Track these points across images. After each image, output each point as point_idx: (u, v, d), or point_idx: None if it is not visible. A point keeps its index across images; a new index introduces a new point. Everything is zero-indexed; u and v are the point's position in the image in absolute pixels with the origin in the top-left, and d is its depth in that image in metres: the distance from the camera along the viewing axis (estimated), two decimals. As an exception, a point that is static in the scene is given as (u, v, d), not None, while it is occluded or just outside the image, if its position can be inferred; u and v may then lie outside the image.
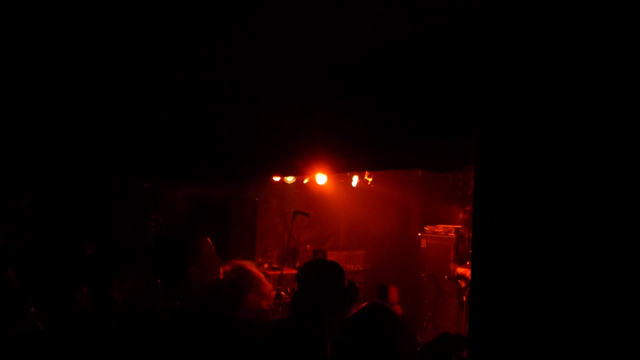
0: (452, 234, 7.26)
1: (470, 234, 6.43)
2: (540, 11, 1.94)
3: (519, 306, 1.76)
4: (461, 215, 6.74)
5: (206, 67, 2.74)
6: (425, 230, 7.78)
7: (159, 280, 3.81)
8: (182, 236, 4.09)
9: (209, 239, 4.11)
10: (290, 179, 7.76)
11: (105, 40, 2.45)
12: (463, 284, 6.53)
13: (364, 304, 2.25)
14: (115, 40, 2.47)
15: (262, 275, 3.79)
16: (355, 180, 7.91)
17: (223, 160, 4.33)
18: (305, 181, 7.94)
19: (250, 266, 3.76)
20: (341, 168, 5.67)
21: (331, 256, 7.97)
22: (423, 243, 7.72)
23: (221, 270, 4.47)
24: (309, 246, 8.28)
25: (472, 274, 2.09)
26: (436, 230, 7.61)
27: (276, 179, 7.42)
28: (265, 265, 8.00)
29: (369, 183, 8.00)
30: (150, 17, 2.34)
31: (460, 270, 6.54)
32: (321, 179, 7.41)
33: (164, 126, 3.59)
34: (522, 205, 1.82)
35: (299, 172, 7.09)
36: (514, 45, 2.05)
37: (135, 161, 4.17)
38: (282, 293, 6.56)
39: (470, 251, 6.41)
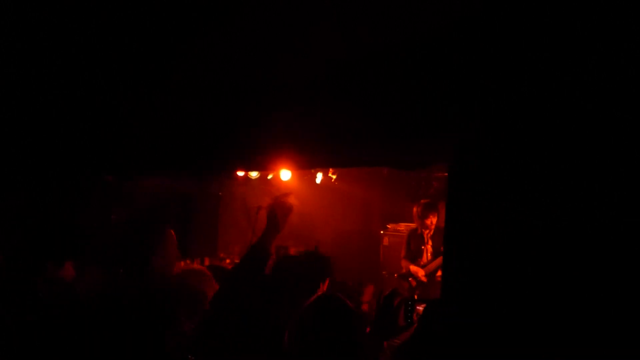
0: (413, 232, 7.33)
1: (423, 230, 6.48)
2: (520, 14, 1.98)
3: (490, 304, 1.80)
4: (415, 210, 6.62)
5: (172, 67, 2.70)
6: (388, 228, 7.86)
7: (121, 270, 3.74)
8: (144, 226, 4.01)
9: (172, 231, 4.07)
10: (254, 175, 7.72)
11: (84, 34, 2.38)
12: (414, 283, 6.51)
13: (317, 295, 2.34)
14: (95, 35, 2.41)
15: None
16: (319, 178, 7.92)
17: (187, 154, 4.27)
18: (270, 177, 7.92)
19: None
20: (306, 164, 5.67)
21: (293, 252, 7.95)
22: (385, 241, 7.80)
23: (181, 264, 4.41)
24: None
25: (442, 272, 2.14)
26: (398, 228, 7.70)
27: (240, 174, 7.37)
28: (227, 261, 7.94)
29: (332, 180, 8.03)
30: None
31: (413, 268, 6.52)
32: (285, 175, 7.40)
33: (127, 119, 3.52)
34: (496, 204, 1.86)
35: (262, 168, 7.07)
36: (494, 49, 2.09)
37: (96, 153, 4.08)
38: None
39: (423, 247, 6.48)
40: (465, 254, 1.93)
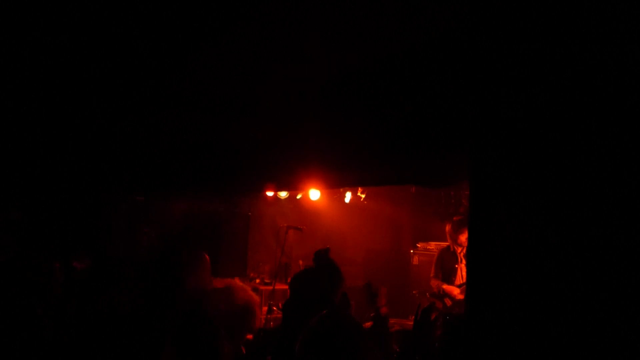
0: (444, 251, 7.23)
1: (456, 248, 6.35)
2: (530, 26, 1.98)
3: (514, 315, 1.78)
4: (447, 227, 6.45)
5: (200, 79, 2.76)
6: (417, 247, 7.79)
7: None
8: (178, 247, 4.10)
9: (206, 255, 4.17)
10: (283, 194, 7.77)
11: (97, 49, 2.47)
12: (449, 303, 6.32)
13: (324, 312, 2.39)
14: (106, 51, 2.50)
15: (257, 309, 3.87)
16: (348, 197, 7.92)
17: (216, 174, 4.33)
18: (299, 197, 7.96)
19: (250, 297, 3.80)
20: (334, 183, 5.69)
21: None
22: (415, 260, 7.72)
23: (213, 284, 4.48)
24: (301, 262, 8.26)
25: (467, 286, 2.12)
26: (428, 247, 7.62)
27: (269, 193, 7.43)
28: (257, 280, 7.97)
29: (362, 199, 8.02)
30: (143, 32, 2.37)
31: (447, 287, 6.35)
32: (314, 194, 7.42)
33: (157, 140, 3.60)
34: (515, 215, 1.85)
35: (292, 187, 7.12)
36: (505, 61, 2.10)
37: (127, 174, 4.17)
38: (274, 308, 6.53)
39: (457, 266, 6.32)
40: (488, 267, 1.91)
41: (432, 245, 7.54)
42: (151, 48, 2.42)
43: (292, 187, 6.80)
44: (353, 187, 7.61)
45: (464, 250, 6.21)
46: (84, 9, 2.05)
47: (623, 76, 1.70)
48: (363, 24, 2.32)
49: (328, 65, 2.58)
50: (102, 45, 2.39)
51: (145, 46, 2.40)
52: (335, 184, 5.76)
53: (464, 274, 6.18)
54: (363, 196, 7.92)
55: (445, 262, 6.42)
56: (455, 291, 6.18)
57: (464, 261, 6.23)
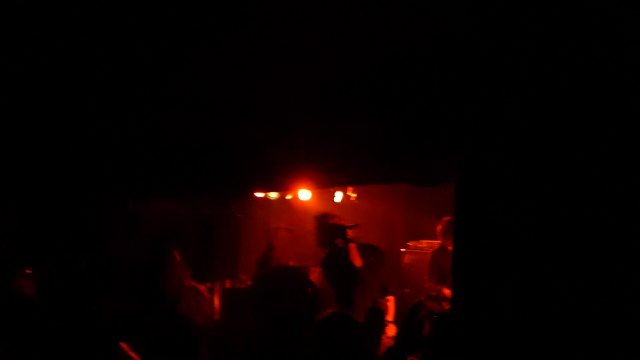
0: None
1: (450, 247, 6.25)
2: (529, 27, 1.99)
3: (499, 315, 1.79)
4: (439, 228, 6.40)
5: (200, 79, 2.75)
6: (409, 245, 7.78)
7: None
8: (153, 254, 4.11)
9: (176, 253, 4.18)
10: (273, 195, 7.74)
11: (97, 49, 2.44)
12: (447, 307, 6.20)
13: (328, 311, 2.44)
14: (107, 51, 2.47)
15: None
16: (338, 196, 7.90)
17: (204, 177, 4.30)
18: (289, 197, 7.93)
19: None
20: (324, 184, 5.67)
21: (314, 272, 7.92)
22: (407, 258, 7.72)
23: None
24: (291, 263, 8.24)
25: (452, 285, 2.13)
26: (420, 245, 7.62)
27: (259, 195, 7.40)
28: (249, 283, 7.91)
29: (351, 198, 8.01)
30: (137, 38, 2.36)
31: (448, 292, 6.06)
32: (304, 194, 7.39)
33: (155, 140, 3.57)
34: (512, 215, 1.86)
35: (281, 188, 7.09)
36: (505, 61, 2.10)
37: (126, 174, 4.14)
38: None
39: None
40: (473, 266, 1.92)
41: (424, 244, 7.54)
42: (151, 48, 2.40)
43: (281, 188, 6.78)
44: (343, 187, 7.60)
45: None
46: (84, 9, 2.02)
47: (622, 77, 1.71)
48: (363, 24, 2.31)
49: (328, 65, 2.57)
50: (103, 45, 2.37)
51: (145, 46, 2.37)
52: (325, 184, 5.75)
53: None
54: (354, 195, 7.91)
55: (441, 263, 6.30)
56: None
57: None
